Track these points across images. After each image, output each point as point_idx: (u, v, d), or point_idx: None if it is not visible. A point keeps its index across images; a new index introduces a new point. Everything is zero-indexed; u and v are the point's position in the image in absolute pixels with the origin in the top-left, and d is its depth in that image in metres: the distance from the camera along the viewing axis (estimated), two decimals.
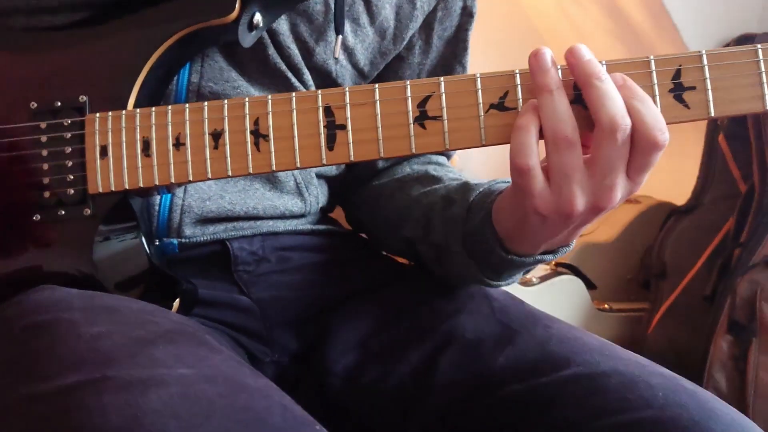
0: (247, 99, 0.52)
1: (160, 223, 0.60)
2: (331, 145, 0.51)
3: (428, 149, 0.51)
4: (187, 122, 0.52)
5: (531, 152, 0.47)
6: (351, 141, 0.51)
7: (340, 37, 0.63)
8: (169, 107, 0.53)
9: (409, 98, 0.50)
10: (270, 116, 0.52)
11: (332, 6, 0.62)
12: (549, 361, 0.55)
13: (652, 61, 0.48)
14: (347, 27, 0.65)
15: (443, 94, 0.50)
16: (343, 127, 0.51)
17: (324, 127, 0.51)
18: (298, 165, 0.52)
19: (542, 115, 0.47)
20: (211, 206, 0.61)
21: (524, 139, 0.47)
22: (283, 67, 0.63)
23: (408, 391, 0.60)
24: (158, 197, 0.60)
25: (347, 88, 0.51)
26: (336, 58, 0.65)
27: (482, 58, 0.75)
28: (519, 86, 0.49)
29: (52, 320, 0.44)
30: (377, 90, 0.51)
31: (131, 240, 0.56)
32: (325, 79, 0.66)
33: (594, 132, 0.47)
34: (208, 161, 0.52)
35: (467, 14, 0.73)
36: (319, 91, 0.51)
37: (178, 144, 0.53)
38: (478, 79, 0.50)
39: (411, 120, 0.50)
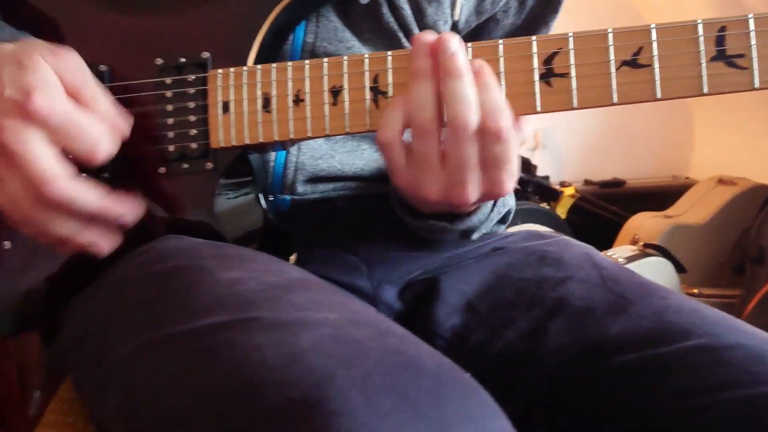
0: (366, 55, 0.52)
1: (275, 180, 0.62)
2: None
3: (554, 108, 0.49)
4: (307, 78, 0.53)
5: (394, 129, 0.49)
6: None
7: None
8: (290, 63, 0.53)
9: (535, 54, 0.49)
10: (389, 73, 0.51)
11: None
12: (667, 331, 0.54)
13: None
14: None
15: (572, 51, 0.48)
16: None
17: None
18: None
19: (408, 98, 0.49)
20: (322, 165, 0.62)
21: (389, 115, 0.49)
22: (395, 26, 0.62)
23: (516, 355, 0.59)
24: (273, 154, 0.61)
25: (470, 44, 0.50)
26: (456, 21, 0.64)
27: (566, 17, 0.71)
28: (654, 42, 0.47)
29: (185, 266, 0.46)
30: (501, 46, 0.49)
31: (249, 194, 0.57)
32: None
33: None
34: (327, 118, 0.52)
35: None
36: (470, 44, 0.50)
37: (298, 100, 0.53)
38: (610, 35, 0.47)
39: (536, 77, 0.48)
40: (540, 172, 2.22)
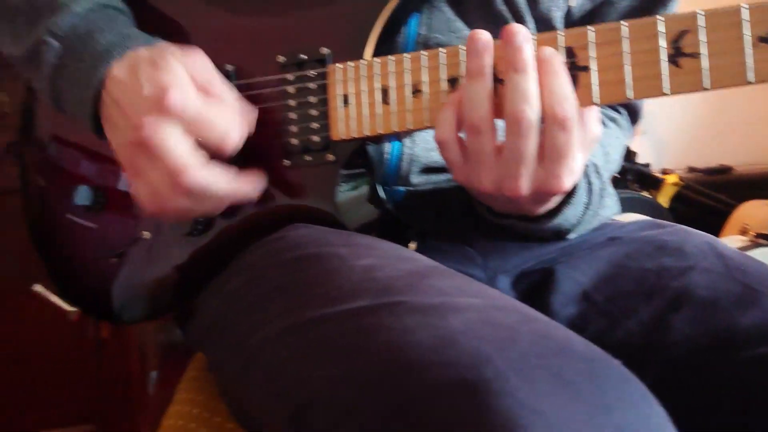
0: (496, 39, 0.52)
1: (389, 171, 0.63)
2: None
3: (683, 89, 0.47)
4: (425, 69, 0.54)
5: (449, 127, 0.49)
6: (595, 83, 0.49)
7: None
8: (407, 55, 0.55)
9: (662, 34, 0.47)
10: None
11: None
12: None
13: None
14: None
15: (702, 29, 0.46)
16: (586, 68, 0.49)
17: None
18: None
19: (462, 97, 0.49)
20: (435, 156, 0.63)
21: (444, 114, 0.50)
22: (508, 15, 0.62)
23: (637, 346, 0.58)
24: (388, 146, 0.62)
25: (589, 28, 0.49)
26: (572, 6, 0.63)
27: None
28: None
29: (318, 253, 0.48)
30: (624, 27, 0.48)
31: (367, 185, 0.59)
32: (544, 27, 0.64)
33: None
34: None
35: None
36: (560, 32, 0.50)
37: (416, 91, 0.54)
38: (744, 10, 0.45)
39: (664, 58, 0.47)
40: (640, 160, 2.13)
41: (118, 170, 0.67)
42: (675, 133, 2.37)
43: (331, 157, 0.58)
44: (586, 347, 0.38)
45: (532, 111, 0.46)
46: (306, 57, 0.59)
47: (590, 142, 0.50)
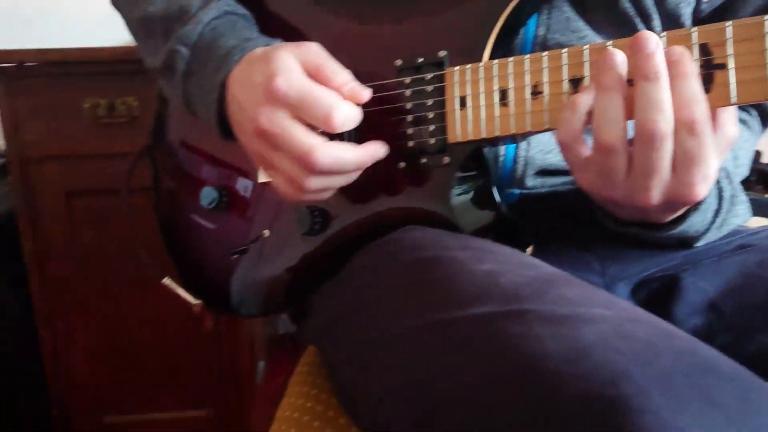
0: (610, 42, 0.50)
1: (504, 174, 0.62)
2: (707, 87, 0.47)
3: None
4: (545, 69, 0.53)
5: (573, 130, 0.47)
6: (732, 81, 0.46)
7: None
8: (527, 56, 0.54)
9: None
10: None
11: None
12: None
13: None
14: None
15: None
16: (723, 66, 0.46)
17: (699, 67, 0.47)
18: None
19: (595, 113, 0.46)
20: (552, 158, 0.62)
21: (567, 116, 0.48)
22: (632, 12, 0.60)
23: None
24: (503, 148, 0.62)
25: (728, 24, 0.46)
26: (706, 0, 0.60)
27: None
28: None
29: (438, 256, 0.48)
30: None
31: (483, 187, 0.59)
32: (671, 24, 0.61)
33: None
34: None
35: None
36: (695, 29, 0.47)
37: (536, 92, 0.53)
38: None
39: None
40: (765, 159, 1.98)
41: (240, 172, 0.71)
42: None
43: (446, 159, 0.58)
44: (734, 367, 0.36)
45: (665, 122, 0.43)
46: (423, 60, 0.59)
47: (726, 145, 0.46)
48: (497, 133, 0.55)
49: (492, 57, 0.57)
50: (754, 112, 0.74)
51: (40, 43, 1.25)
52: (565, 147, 0.49)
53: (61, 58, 1.15)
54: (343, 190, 0.63)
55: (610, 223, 0.56)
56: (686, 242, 0.59)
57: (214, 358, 1.29)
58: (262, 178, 0.68)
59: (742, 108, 0.73)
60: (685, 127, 0.43)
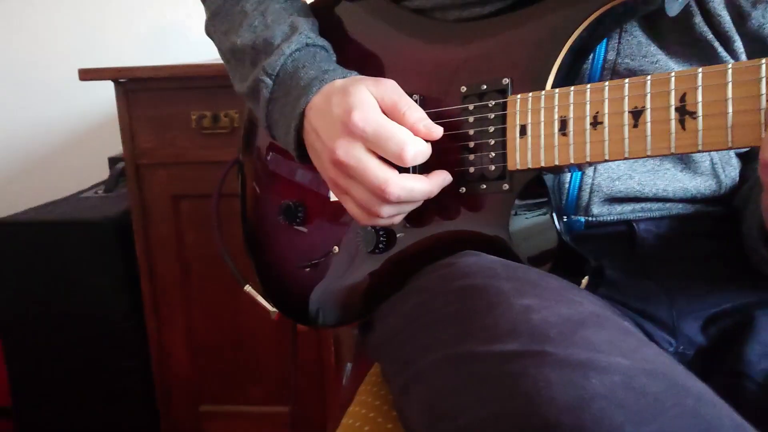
0: (672, 74, 0.49)
1: (569, 201, 0.62)
2: None
3: None
4: (606, 100, 0.52)
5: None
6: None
7: None
8: (588, 86, 0.53)
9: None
10: (699, 91, 0.47)
11: None
12: None
13: None
14: None
15: None
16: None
17: (767, 101, 0.45)
18: (731, 144, 0.47)
19: None
20: (620, 186, 0.60)
21: None
22: (710, 35, 0.57)
23: None
24: (569, 175, 0.61)
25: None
26: None
27: None
28: None
29: (484, 285, 0.49)
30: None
31: (543, 215, 0.58)
32: (757, 46, 0.58)
33: None
34: (626, 140, 0.51)
35: None
36: (764, 60, 0.45)
37: (596, 123, 0.52)
38: None
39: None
40: None
41: (315, 191, 0.74)
42: None
43: (506, 186, 0.58)
44: (735, 428, 0.34)
45: None
46: (487, 87, 0.60)
47: None
48: (556, 163, 0.55)
49: (558, 83, 0.57)
50: None
51: (157, 60, 1.37)
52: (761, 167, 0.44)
53: (170, 74, 1.26)
54: (411, 214, 0.65)
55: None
56: None
57: (293, 357, 1.35)
58: (334, 197, 0.72)
59: None
60: None
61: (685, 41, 0.58)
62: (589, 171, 0.61)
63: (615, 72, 0.59)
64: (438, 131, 0.59)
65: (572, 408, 0.34)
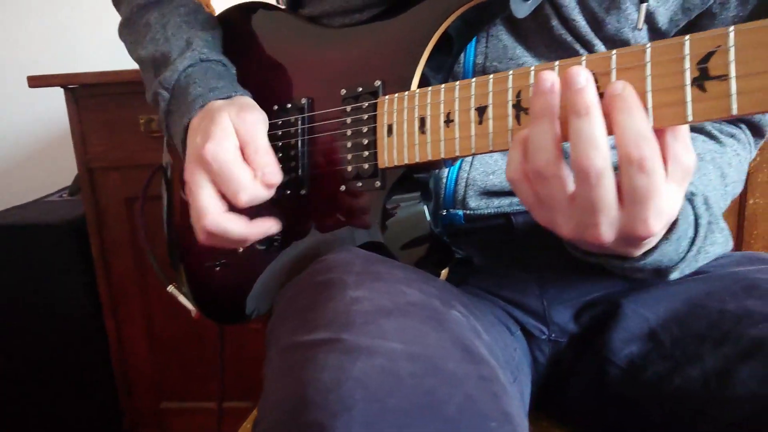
0: (511, 72, 0.51)
1: (447, 195, 0.64)
2: None
3: (709, 116, 0.42)
4: (457, 99, 0.54)
5: (517, 166, 0.46)
6: None
7: (644, 6, 0.56)
8: (442, 86, 0.55)
9: (687, 57, 0.43)
10: (531, 89, 0.50)
11: None
12: None
13: None
14: None
15: (731, 48, 0.41)
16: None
17: None
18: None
19: (527, 139, 0.45)
20: (494, 180, 0.63)
21: (512, 152, 0.47)
22: (569, 38, 0.59)
23: (696, 396, 0.53)
24: (446, 170, 0.63)
25: (614, 52, 0.46)
26: (639, 29, 0.58)
27: None
28: None
29: (334, 279, 0.51)
30: (648, 50, 0.44)
31: (414, 209, 0.61)
32: (620, 47, 0.60)
33: None
34: (473, 137, 0.53)
35: None
36: (584, 57, 0.47)
37: (448, 121, 0.55)
38: None
39: (687, 82, 0.43)
40: None
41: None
42: None
43: (378, 183, 0.61)
44: (460, 408, 0.37)
45: (600, 158, 0.42)
46: (362, 89, 0.63)
47: (682, 175, 0.44)
48: (417, 160, 0.57)
49: (424, 85, 0.60)
50: (743, 126, 0.70)
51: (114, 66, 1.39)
52: (513, 184, 0.48)
53: (117, 79, 1.29)
54: (298, 211, 0.67)
55: (576, 252, 0.55)
56: (662, 273, 0.56)
57: (221, 352, 1.37)
58: None
59: (731, 122, 0.70)
60: (634, 165, 0.41)
61: (549, 43, 0.60)
62: (465, 165, 0.63)
63: (485, 74, 0.61)
64: (275, 180, 0.63)
65: (326, 389, 0.37)
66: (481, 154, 0.54)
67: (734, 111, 0.41)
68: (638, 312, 0.59)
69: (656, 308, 0.59)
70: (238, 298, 0.76)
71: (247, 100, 0.66)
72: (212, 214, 0.62)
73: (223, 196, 0.63)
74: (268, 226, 0.66)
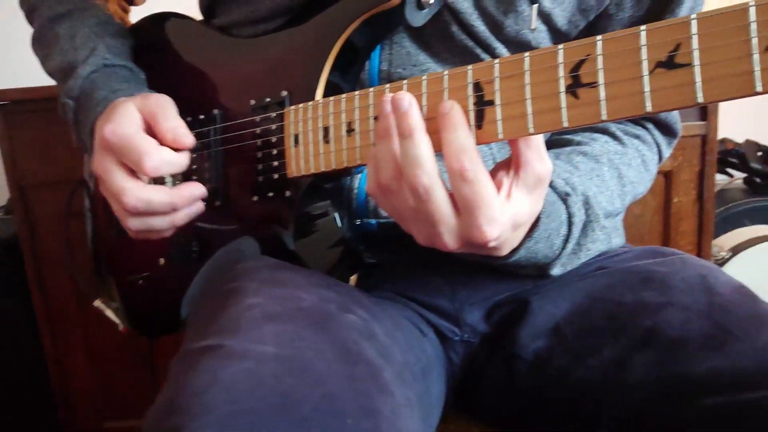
0: (405, 82, 0.52)
1: (359, 204, 0.65)
2: (479, 124, 0.48)
3: (582, 121, 0.44)
4: (357, 109, 0.55)
5: (370, 181, 0.49)
6: (499, 118, 0.47)
7: (535, 6, 0.58)
8: (343, 96, 0.56)
9: (561, 65, 0.45)
10: (424, 97, 0.51)
11: None
12: (765, 374, 0.45)
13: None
14: None
15: (600, 56, 0.43)
16: (492, 102, 0.48)
17: (473, 104, 0.49)
18: None
19: (373, 156, 0.48)
20: None
21: (368, 168, 0.50)
22: (471, 43, 0.61)
23: (596, 386, 0.55)
24: (357, 179, 0.64)
25: (497, 61, 0.48)
26: (533, 29, 0.60)
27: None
28: (695, 36, 0.39)
29: (237, 287, 0.52)
30: (527, 59, 0.46)
31: (325, 217, 0.62)
32: (523, 48, 0.62)
33: None
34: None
35: None
36: (470, 67, 0.49)
37: (350, 130, 0.56)
38: (642, 33, 0.41)
39: (562, 89, 0.44)
40: None
41: None
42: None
43: (288, 193, 0.62)
44: (316, 408, 0.38)
45: (425, 175, 0.45)
46: (270, 100, 0.63)
47: (535, 182, 0.47)
48: (322, 169, 0.58)
49: (330, 93, 0.60)
50: (651, 125, 0.72)
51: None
52: (371, 196, 0.51)
53: (48, 95, 1.26)
54: (214, 222, 0.67)
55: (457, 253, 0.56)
56: (542, 268, 0.59)
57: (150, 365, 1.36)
58: None
59: (636, 122, 0.73)
60: (457, 176, 0.45)
61: (451, 49, 0.62)
62: None
63: (391, 81, 0.62)
64: (187, 141, 0.61)
65: (194, 394, 0.38)
66: None
67: (604, 116, 0.43)
68: (544, 308, 0.61)
69: (561, 303, 0.61)
70: (163, 312, 0.75)
71: (151, 92, 0.65)
72: (130, 189, 0.59)
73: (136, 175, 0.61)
74: (193, 188, 0.62)
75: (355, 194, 0.64)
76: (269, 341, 0.43)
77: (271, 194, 0.63)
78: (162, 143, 0.61)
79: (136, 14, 0.85)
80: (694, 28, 0.40)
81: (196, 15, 0.76)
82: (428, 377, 0.60)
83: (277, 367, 0.41)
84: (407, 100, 0.46)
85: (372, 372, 0.44)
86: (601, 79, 0.43)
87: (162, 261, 0.75)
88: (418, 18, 0.57)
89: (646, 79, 0.41)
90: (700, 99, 0.40)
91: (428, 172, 0.45)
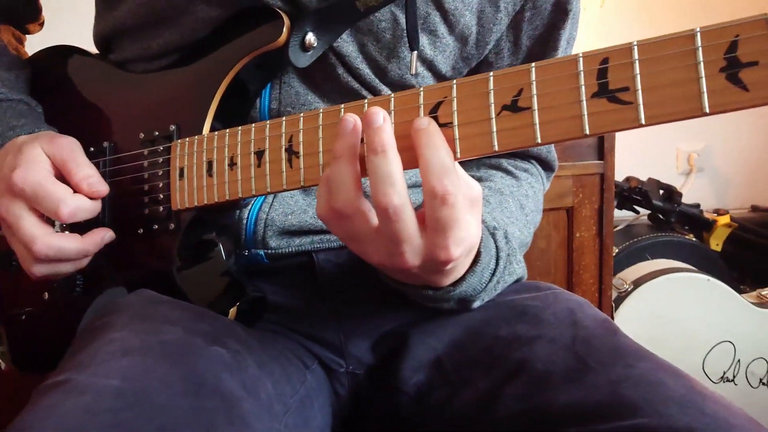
0: (284, 118, 0.54)
1: (248, 235, 0.65)
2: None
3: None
4: (239, 144, 0.57)
5: (323, 205, 0.47)
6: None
7: (415, 53, 0.61)
8: (227, 131, 0.58)
9: (422, 106, 0.47)
10: (301, 134, 0.53)
11: (402, 23, 0.61)
12: (615, 406, 0.47)
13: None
14: (424, 40, 0.63)
15: (454, 99, 0.46)
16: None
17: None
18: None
19: (328, 179, 0.46)
20: (293, 220, 0.65)
21: (319, 191, 0.48)
22: (357, 85, 0.64)
23: (470, 418, 0.56)
24: (246, 210, 0.65)
25: (366, 101, 0.50)
26: (414, 74, 0.63)
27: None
28: (534, 83, 0.43)
29: (107, 322, 0.51)
30: (393, 100, 0.49)
31: (208, 250, 0.62)
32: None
33: None
34: (253, 179, 0.56)
35: (561, 11, 0.65)
36: (342, 106, 0.51)
37: (232, 164, 0.57)
38: (491, 79, 0.45)
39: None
40: (695, 199, 1.99)
41: None
42: (736, 169, 2.19)
43: (172, 225, 0.62)
44: None
45: (396, 195, 0.44)
46: (158, 134, 0.64)
47: (472, 202, 0.47)
48: (205, 202, 0.59)
49: (219, 128, 0.61)
50: (534, 161, 0.77)
51: None
52: (322, 220, 0.49)
53: None
54: (102, 255, 0.66)
55: (390, 281, 0.57)
56: (466, 302, 0.59)
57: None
58: None
59: (524, 157, 0.77)
60: (437, 199, 0.43)
61: (339, 90, 0.64)
62: (265, 207, 0.65)
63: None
64: (102, 189, 0.62)
65: (27, 428, 0.38)
66: (260, 195, 0.57)
67: (458, 155, 0.46)
68: (426, 341, 0.62)
69: (442, 336, 0.62)
70: (45, 348, 0.73)
71: (55, 134, 0.64)
72: (41, 237, 0.59)
73: (47, 221, 0.60)
74: (102, 234, 0.62)
75: (244, 224, 0.65)
76: (115, 375, 0.43)
77: (155, 227, 0.63)
78: (77, 192, 0.61)
79: (31, 44, 0.84)
80: (533, 75, 0.43)
81: (90, 46, 0.76)
82: (308, 409, 0.60)
83: (116, 400, 0.41)
84: (381, 115, 0.45)
85: (226, 404, 0.44)
86: (455, 120, 0.46)
87: (46, 295, 0.73)
88: (302, 59, 0.59)
89: (493, 121, 0.44)
90: (539, 140, 0.43)
91: (399, 192, 0.44)
